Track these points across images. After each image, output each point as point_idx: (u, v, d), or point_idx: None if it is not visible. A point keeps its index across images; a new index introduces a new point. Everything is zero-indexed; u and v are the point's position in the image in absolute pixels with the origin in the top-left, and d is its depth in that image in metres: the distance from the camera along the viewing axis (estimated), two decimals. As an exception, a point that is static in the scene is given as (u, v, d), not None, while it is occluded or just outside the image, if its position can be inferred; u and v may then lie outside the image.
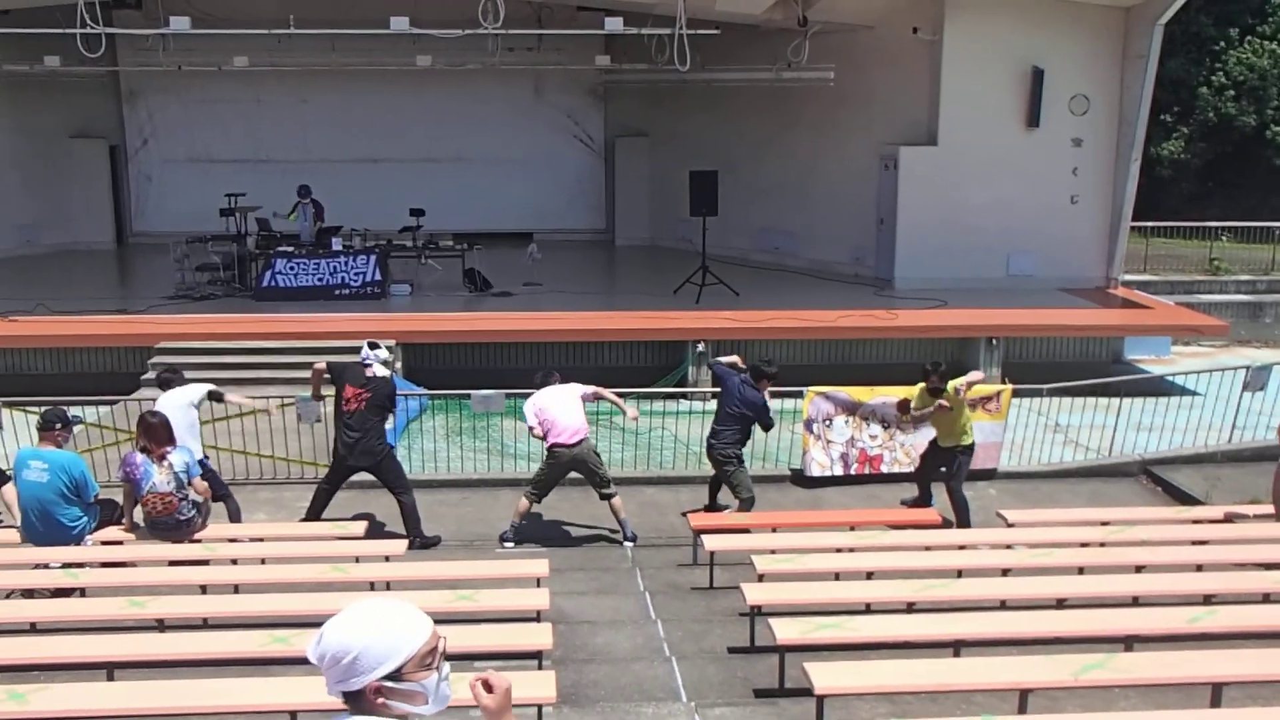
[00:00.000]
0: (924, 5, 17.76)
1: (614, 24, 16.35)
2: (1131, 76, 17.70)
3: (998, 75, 17.77)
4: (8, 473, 8.98)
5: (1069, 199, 18.29)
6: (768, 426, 10.59)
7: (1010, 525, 9.41)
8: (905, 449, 12.02)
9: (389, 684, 2.39)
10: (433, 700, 2.45)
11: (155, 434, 8.56)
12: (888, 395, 11.73)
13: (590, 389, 10.45)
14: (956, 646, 6.66)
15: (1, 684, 5.83)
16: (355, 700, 2.42)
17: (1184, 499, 11.42)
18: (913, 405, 10.69)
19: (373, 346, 10.26)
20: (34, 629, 7.23)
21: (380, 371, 10.12)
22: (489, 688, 2.54)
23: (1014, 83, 17.86)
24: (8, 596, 7.95)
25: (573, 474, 10.34)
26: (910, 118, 18.36)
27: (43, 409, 9.34)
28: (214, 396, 10.33)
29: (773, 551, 8.43)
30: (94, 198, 23.13)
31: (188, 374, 13.98)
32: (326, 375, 10.29)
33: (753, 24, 17.83)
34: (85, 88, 21.92)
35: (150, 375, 14.43)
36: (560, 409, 10.12)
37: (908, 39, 17.78)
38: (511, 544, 10.16)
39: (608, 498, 10.26)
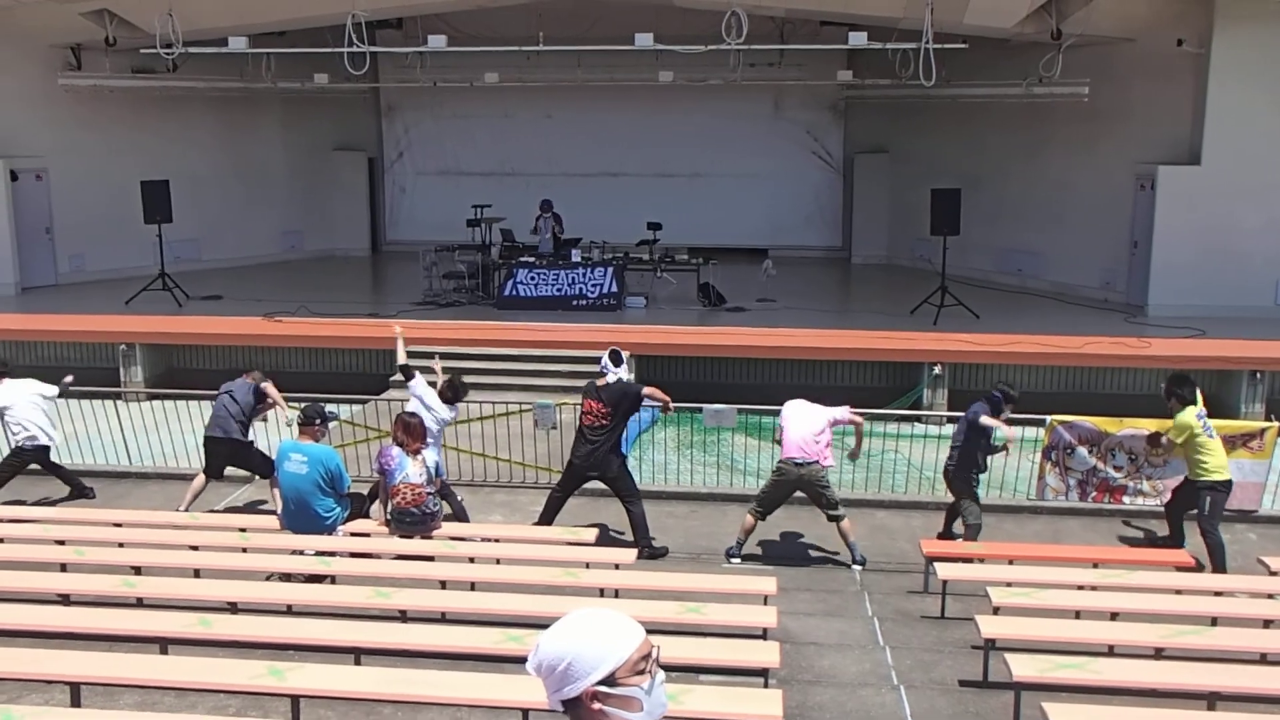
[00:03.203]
0: (1191, 16, 16.81)
1: (858, 38, 16.18)
2: None
3: (1271, 89, 16.60)
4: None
5: (1350, 223, 16.94)
6: (992, 450, 10.27)
7: (1273, 573, 8.75)
8: (1152, 483, 11.35)
9: (604, 689, 2.42)
10: (647, 705, 2.46)
11: (414, 431, 9.16)
12: (1137, 428, 11.11)
13: (845, 413, 10.29)
14: (1211, 700, 6.25)
15: (262, 659, 6.23)
16: (574, 709, 2.46)
17: None
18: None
19: (614, 359, 10.37)
20: (290, 611, 7.69)
21: (613, 378, 10.25)
22: None
23: (1289, 97, 16.68)
24: (268, 578, 8.48)
25: (800, 493, 10.24)
26: (1171, 135, 17.39)
27: (303, 405, 9.94)
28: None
29: (1009, 584, 8.12)
30: (353, 207, 24.54)
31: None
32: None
33: (1003, 37, 17.30)
34: (348, 103, 23.31)
35: (398, 377, 15.15)
36: (799, 423, 10.04)
37: (1171, 51, 16.86)
38: (738, 560, 10.16)
39: (835, 520, 10.10)
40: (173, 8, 16.67)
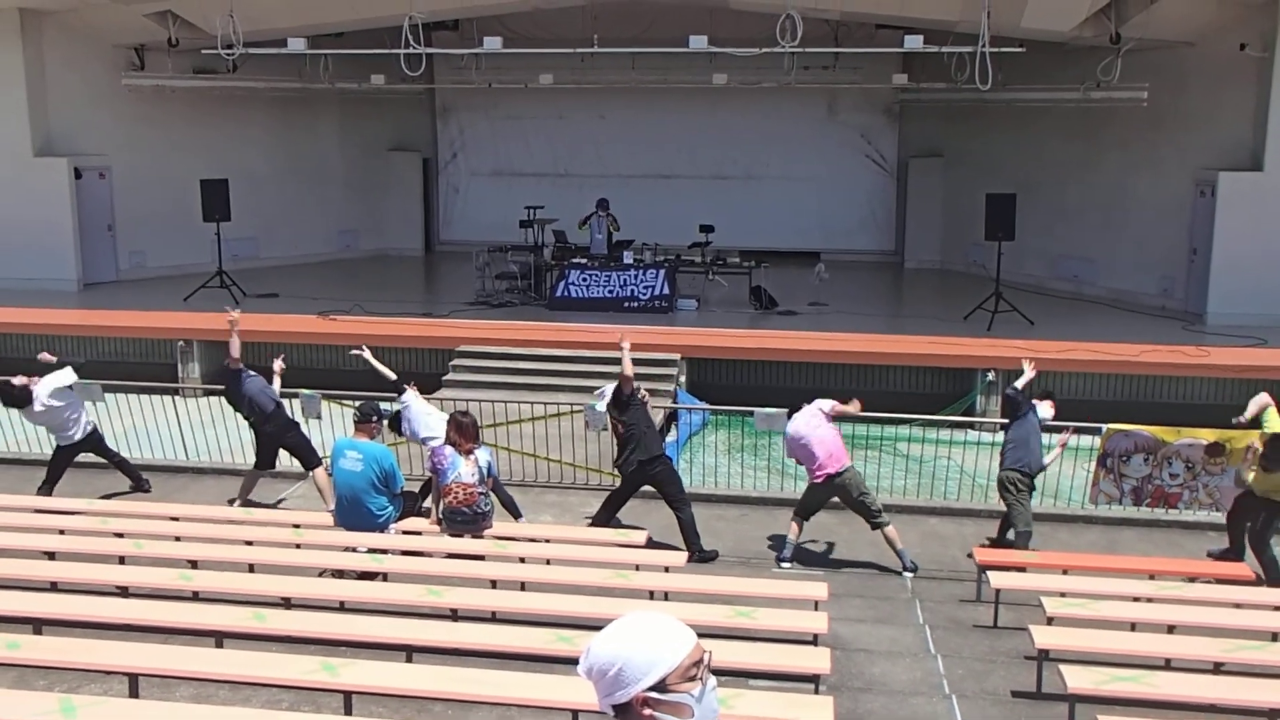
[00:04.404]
0: (1254, 19, 16.51)
1: (914, 42, 16.06)
2: None
3: (1338, 95, 16.30)
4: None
5: None
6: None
7: (1336, 588, 8.60)
8: (1208, 489, 11.16)
9: (655, 695, 2.42)
10: (698, 712, 2.46)
11: (466, 431, 9.18)
12: (1196, 437, 10.93)
13: (830, 405, 10.29)
14: (1271, 716, 6.14)
15: (315, 655, 6.30)
16: (624, 714, 2.46)
17: None
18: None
19: (600, 397, 10.70)
20: (342, 608, 7.76)
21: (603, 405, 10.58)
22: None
23: (1357, 102, 16.33)
24: (320, 574, 8.56)
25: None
26: (1232, 140, 17.10)
27: (358, 403, 10.02)
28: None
29: (1063, 594, 8.04)
30: (407, 207, 24.73)
31: (486, 378, 14.81)
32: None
33: (1061, 41, 17.10)
34: (404, 104, 23.50)
35: (451, 376, 15.28)
36: (814, 439, 10.03)
37: (1233, 56, 16.58)
38: (789, 564, 10.13)
39: (879, 527, 10.05)
40: (234, 9, 16.91)
